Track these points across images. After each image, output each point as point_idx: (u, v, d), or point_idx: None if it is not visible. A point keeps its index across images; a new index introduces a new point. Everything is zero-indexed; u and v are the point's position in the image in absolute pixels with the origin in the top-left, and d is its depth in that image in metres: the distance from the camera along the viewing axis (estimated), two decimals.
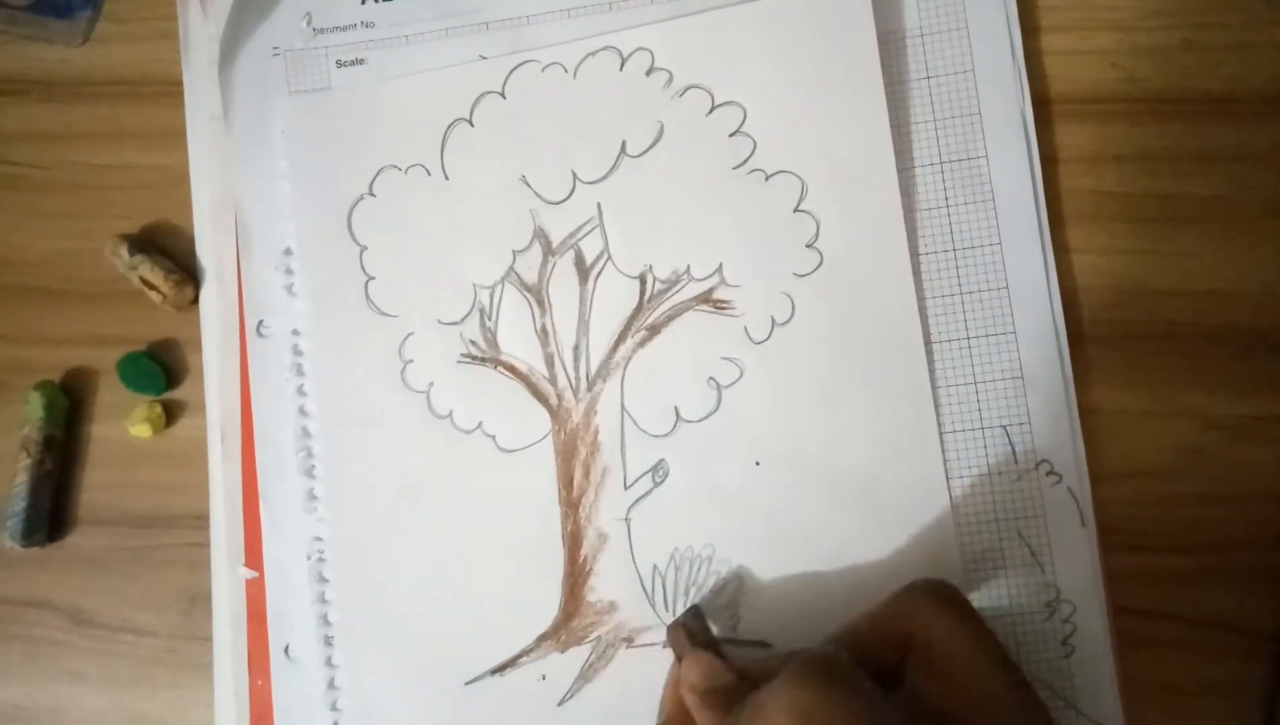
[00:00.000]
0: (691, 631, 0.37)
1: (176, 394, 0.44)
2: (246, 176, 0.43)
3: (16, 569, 0.43)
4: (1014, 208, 0.41)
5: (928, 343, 0.40)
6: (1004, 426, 0.40)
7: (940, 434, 0.40)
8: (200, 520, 0.42)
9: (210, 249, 0.43)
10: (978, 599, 0.39)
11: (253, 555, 0.41)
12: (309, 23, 0.44)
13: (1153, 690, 0.39)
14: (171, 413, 0.43)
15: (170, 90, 0.44)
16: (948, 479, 0.39)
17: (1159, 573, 0.39)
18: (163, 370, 0.43)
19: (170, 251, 0.44)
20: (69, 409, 0.43)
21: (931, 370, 0.40)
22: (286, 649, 0.41)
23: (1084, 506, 0.39)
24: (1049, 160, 0.41)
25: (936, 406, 0.40)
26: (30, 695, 0.42)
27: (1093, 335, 0.40)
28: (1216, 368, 0.40)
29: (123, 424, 0.43)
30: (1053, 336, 0.40)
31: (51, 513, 0.43)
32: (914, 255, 0.40)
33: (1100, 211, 0.41)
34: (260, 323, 0.42)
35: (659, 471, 0.40)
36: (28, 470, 0.42)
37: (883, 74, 0.41)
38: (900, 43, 0.42)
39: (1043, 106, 0.41)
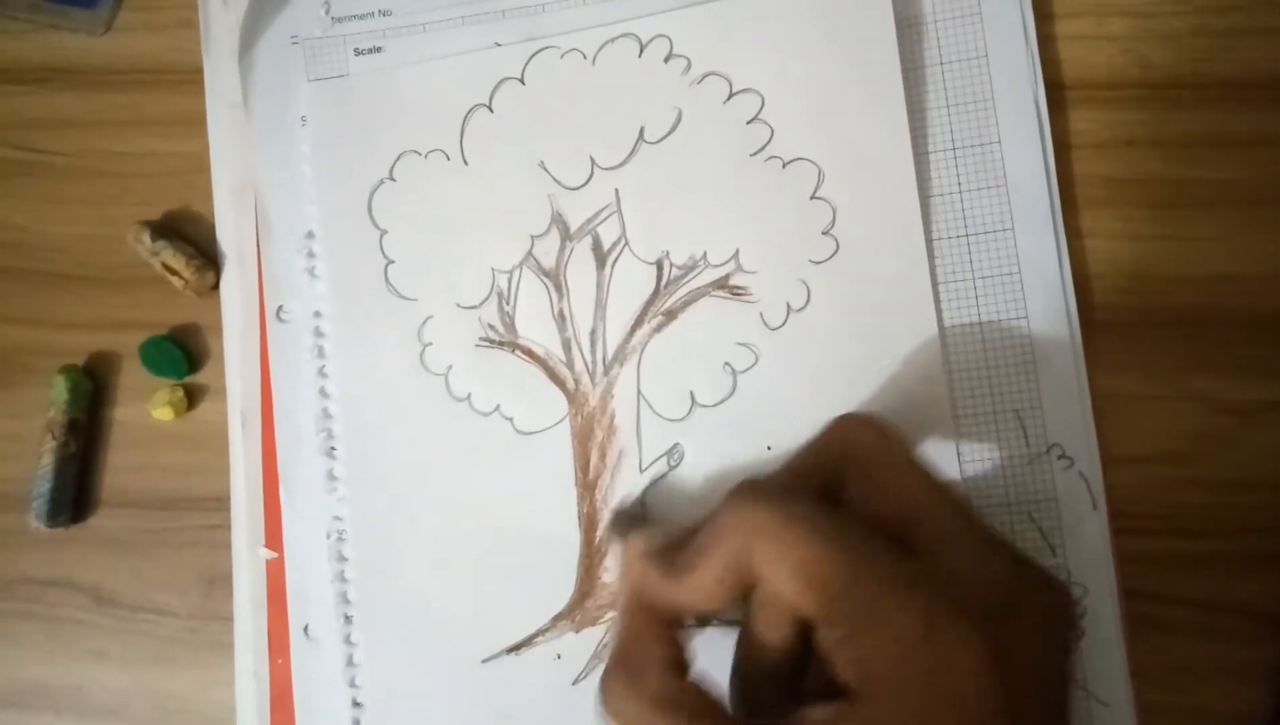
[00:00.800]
0: (629, 518, 0.37)
1: (198, 378, 0.44)
2: (266, 163, 0.43)
3: (41, 549, 0.44)
4: (1027, 193, 0.41)
5: (941, 328, 0.40)
6: (1016, 410, 0.40)
7: (956, 419, 0.40)
8: (221, 502, 0.43)
9: (230, 235, 0.44)
10: None
11: (273, 536, 0.42)
12: (327, 11, 0.44)
13: (1163, 673, 0.39)
14: (193, 396, 0.44)
15: (191, 78, 0.45)
16: (960, 464, 0.40)
17: (1170, 557, 0.39)
18: (184, 354, 0.44)
19: (191, 237, 0.44)
20: (92, 392, 0.44)
21: (945, 355, 0.40)
22: (306, 629, 0.41)
23: (1095, 490, 0.39)
24: (1062, 146, 0.41)
25: (951, 392, 0.40)
26: (54, 673, 0.43)
27: (1105, 320, 0.40)
28: (1229, 352, 0.40)
29: (145, 407, 0.44)
30: (1065, 321, 0.40)
31: (75, 494, 0.43)
32: (927, 241, 0.41)
33: (1113, 197, 0.41)
34: (280, 308, 0.43)
35: (674, 455, 0.41)
36: (52, 453, 0.43)
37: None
38: (914, 29, 0.42)
39: (1056, 92, 0.41)
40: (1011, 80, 0.41)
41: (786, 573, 0.29)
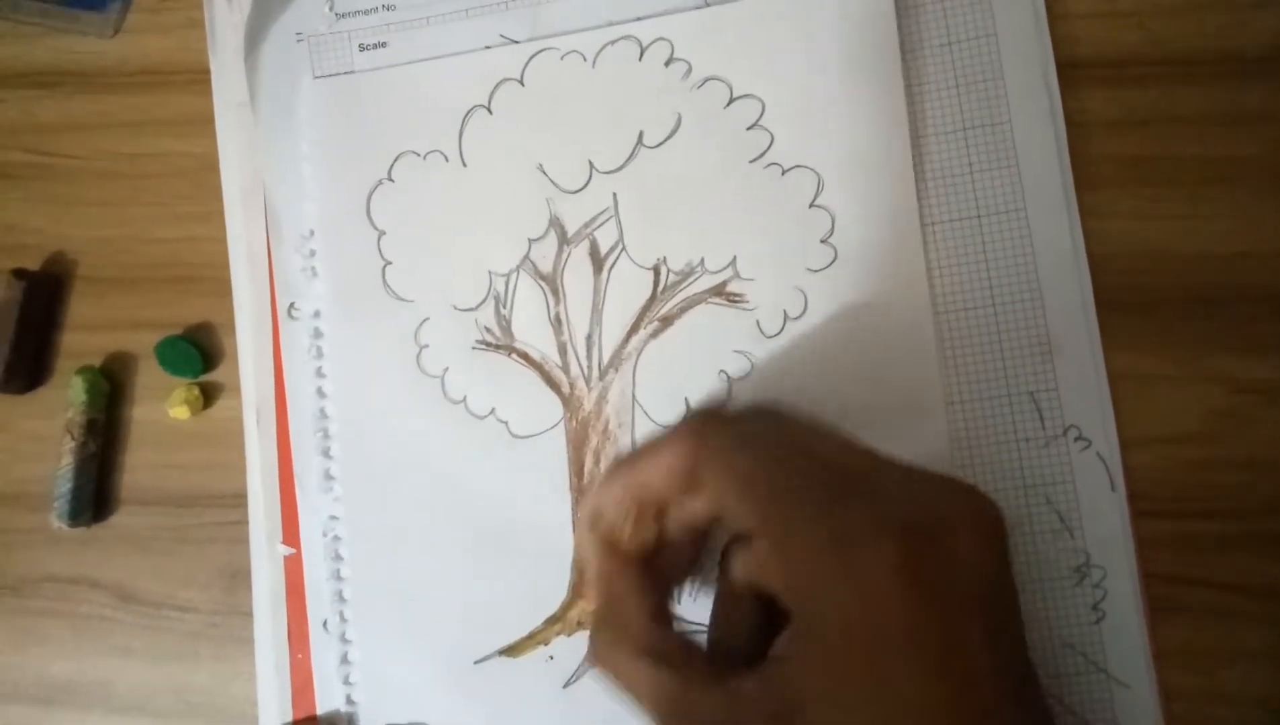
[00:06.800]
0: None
1: (213, 376, 0.45)
2: (273, 161, 0.44)
3: (64, 548, 0.44)
4: (1039, 173, 0.40)
5: (939, 341, 0.40)
6: (1031, 393, 0.39)
7: (949, 433, 0.39)
8: (239, 499, 0.43)
9: (241, 234, 0.44)
10: None
11: (289, 532, 0.42)
12: (331, 7, 0.44)
13: (1184, 655, 0.38)
14: (209, 394, 0.44)
15: (199, 78, 0.45)
16: (955, 469, 0.39)
17: (1190, 538, 0.39)
18: (199, 353, 0.44)
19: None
20: (110, 393, 0.45)
21: (958, 338, 0.40)
22: (325, 623, 0.42)
23: (1114, 471, 0.39)
24: (1074, 124, 0.40)
25: (947, 402, 0.40)
26: (80, 669, 0.44)
27: (1120, 300, 0.40)
28: (1246, 331, 0.39)
29: (162, 406, 0.44)
30: (1080, 302, 0.40)
31: (96, 494, 0.44)
32: (937, 222, 0.40)
33: (1127, 175, 0.40)
34: (291, 305, 0.43)
35: None
36: (72, 453, 0.43)
37: (903, 40, 0.40)
38: (921, 8, 0.41)
39: (1067, 70, 0.41)
40: (1021, 59, 0.41)
41: (724, 479, 0.30)
